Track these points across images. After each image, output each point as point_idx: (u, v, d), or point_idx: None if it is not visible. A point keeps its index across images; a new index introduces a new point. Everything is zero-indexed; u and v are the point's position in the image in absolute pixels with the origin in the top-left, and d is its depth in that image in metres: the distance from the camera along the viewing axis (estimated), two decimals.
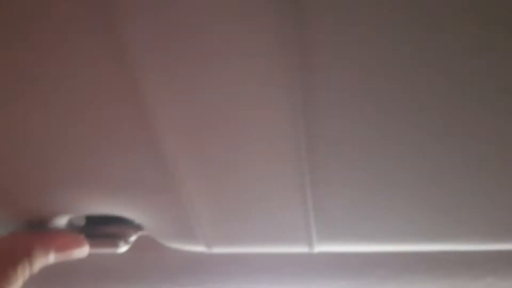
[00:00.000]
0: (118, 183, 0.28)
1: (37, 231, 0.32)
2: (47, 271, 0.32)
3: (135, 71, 0.22)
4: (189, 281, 0.41)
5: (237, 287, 0.41)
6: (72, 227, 0.35)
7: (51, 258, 0.32)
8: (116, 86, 0.23)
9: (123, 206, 0.31)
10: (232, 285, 0.40)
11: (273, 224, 0.30)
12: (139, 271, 0.41)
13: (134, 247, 0.36)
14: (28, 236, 0.32)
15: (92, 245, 0.34)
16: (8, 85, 0.24)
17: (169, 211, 0.30)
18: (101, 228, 0.35)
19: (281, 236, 0.31)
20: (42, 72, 0.23)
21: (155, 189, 0.28)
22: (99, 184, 0.29)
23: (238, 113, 0.24)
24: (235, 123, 0.24)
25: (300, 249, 0.33)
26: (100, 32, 0.21)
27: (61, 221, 0.34)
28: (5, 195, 0.31)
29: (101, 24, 0.20)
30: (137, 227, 0.35)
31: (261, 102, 0.23)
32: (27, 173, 0.29)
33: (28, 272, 0.31)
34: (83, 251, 0.34)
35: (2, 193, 0.31)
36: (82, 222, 0.36)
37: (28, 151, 0.27)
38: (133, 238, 0.35)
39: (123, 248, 0.35)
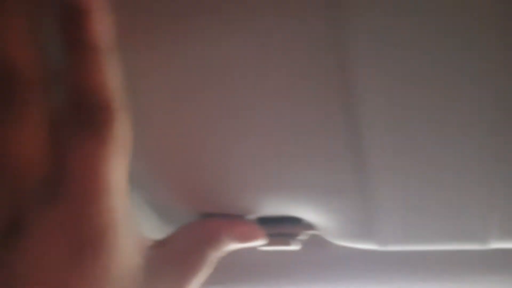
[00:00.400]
0: (307, 187, 0.30)
1: (225, 218, 0.34)
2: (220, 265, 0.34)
3: (353, 91, 0.24)
4: (356, 278, 0.42)
5: (406, 284, 0.41)
6: None
7: (234, 244, 0.34)
8: (332, 103, 0.25)
9: (302, 207, 0.33)
10: (401, 282, 0.41)
11: (451, 222, 0.30)
12: (306, 268, 0.43)
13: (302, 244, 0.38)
14: (217, 221, 0.34)
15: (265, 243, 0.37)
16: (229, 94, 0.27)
17: (351, 212, 0.31)
18: (272, 227, 0.37)
19: (457, 234, 0.31)
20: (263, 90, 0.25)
21: (345, 192, 0.29)
22: (288, 188, 0.31)
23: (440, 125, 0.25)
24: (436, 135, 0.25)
25: (474, 245, 0.33)
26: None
27: None
28: (193, 196, 0.34)
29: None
30: (308, 226, 0.36)
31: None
32: (217, 175, 0.31)
33: (215, 257, 0.32)
34: (261, 241, 0.35)
35: (191, 193, 0.34)
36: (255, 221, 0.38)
37: (224, 155, 0.29)
38: (303, 237, 0.37)
39: (294, 247, 0.37)
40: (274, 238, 0.37)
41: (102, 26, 0.23)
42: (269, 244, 0.37)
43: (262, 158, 0.29)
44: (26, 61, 0.23)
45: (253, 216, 0.35)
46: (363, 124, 0.26)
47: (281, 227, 0.36)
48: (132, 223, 0.28)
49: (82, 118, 0.24)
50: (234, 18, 0.23)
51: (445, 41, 0.22)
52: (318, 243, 0.40)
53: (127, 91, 0.27)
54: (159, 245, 0.31)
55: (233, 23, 0.23)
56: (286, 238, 0.37)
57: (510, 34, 0.21)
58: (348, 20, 0.22)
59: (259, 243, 0.35)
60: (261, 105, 0.27)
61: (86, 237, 0.24)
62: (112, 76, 0.24)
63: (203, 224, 0.33)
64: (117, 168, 0.24)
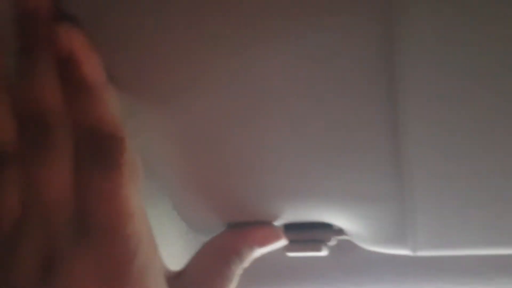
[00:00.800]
0: (342, 194, 0.30)
1: (241, 228, 0.34)
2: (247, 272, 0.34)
3: (396, 99, 0.24)
4: (385, 283, 0.41)
5: None
6: None
7: (256, 252, 0.34)
8: (371, 111, 0.24)
9: (334, 214, 0.32)
10: (431, 286, 0.40)
11: (488, 227, 0.30)
12: (334, 273, 0.42)
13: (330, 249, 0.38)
14: (234, 234, 0.34)
15: (294, 249, 0.36)
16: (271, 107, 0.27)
17: (386, 218, 0.31)
18: (302, 233, 0.36)
19: (493, 238, 0.31)
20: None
21: (382, 199, 0.29)
22: (322, 195, 0.30)
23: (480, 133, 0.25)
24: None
25: (509, 250, 0.32)
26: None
27: None
28: (221, 205, 0.34)
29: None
30: (338, 232, 0.36)
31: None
32: (245, 184, 0.31)
33: (239, 269, 0.33)
34: (281, 242, 0.35)
35: (219, 203, 0.34)
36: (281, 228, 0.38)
37: (253, 163, 0.29)
38: (332, 242, 0.37)
39: (324, 252, 0.36)
40: (305, 244, 0.36)
41: (88, 64, 0.25)
42: (300, 250, 0.36)
43: (295, 166, 0.29)
44: (56, 109, 0.25)
45: (282, 222, 0.35)
46: (403, 132, 0.25)
47: (311, 233, 0.36)
48: (157, 250, 0.28)
49: (94, 150, 0.25)
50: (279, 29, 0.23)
51: (495, 49, 0.22)
52: (346, 248, 0.39)
53: (158, 110, 0.28)
54: (176, 276, 0.31)
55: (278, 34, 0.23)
56: (317, 244, 0.36)
57: None
58: (397, 32, 0.22)
59: (281, 244, 0.35)
60: (296, 112, 0.27)
61: (116, 265, 0.25)
62: (112, 109, 0.26)
63: (221, 241, 0.34)
64: (134, 193, 0.26)
